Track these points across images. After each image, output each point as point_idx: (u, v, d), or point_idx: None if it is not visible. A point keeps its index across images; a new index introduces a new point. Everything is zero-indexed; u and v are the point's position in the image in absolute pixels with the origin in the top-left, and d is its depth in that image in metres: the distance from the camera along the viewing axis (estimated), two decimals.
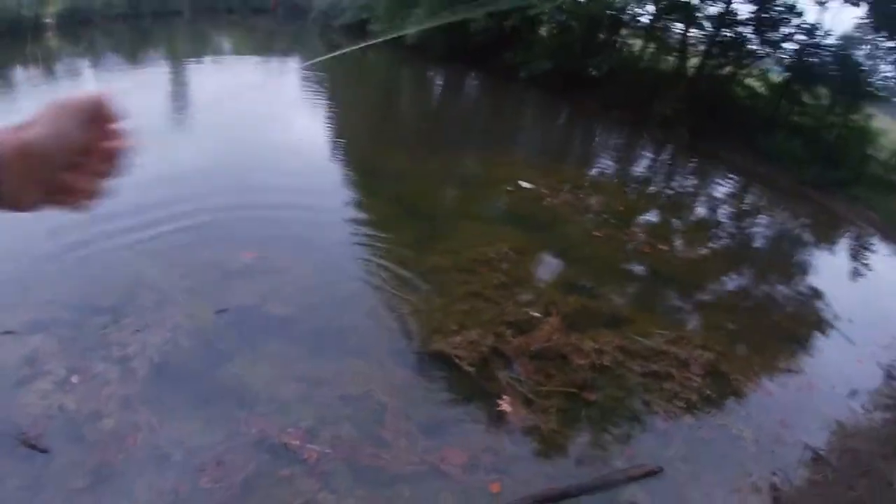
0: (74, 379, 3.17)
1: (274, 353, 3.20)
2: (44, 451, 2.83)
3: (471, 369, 3.19)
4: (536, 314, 3.81)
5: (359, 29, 16.71)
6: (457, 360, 3.22)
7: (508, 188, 5.50)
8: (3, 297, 3.94)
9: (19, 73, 15.11)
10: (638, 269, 5.06)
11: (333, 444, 2.68)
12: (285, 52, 15.54)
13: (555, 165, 6.72)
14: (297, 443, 2.67)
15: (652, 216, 6.72)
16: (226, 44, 18.13)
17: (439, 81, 12.25)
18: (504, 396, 3.08)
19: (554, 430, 2.94)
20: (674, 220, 6.86)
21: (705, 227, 6.80)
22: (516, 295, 3.98)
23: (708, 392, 3.39)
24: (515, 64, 11.90)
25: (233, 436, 2.74)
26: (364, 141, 7.26)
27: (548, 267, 4.50)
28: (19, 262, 4.25)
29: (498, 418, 2.98)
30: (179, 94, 10.35)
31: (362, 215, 5.02)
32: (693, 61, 12.15)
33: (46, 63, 16.76)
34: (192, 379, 3.03)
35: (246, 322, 3.44)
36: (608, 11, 12.14)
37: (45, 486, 2.68)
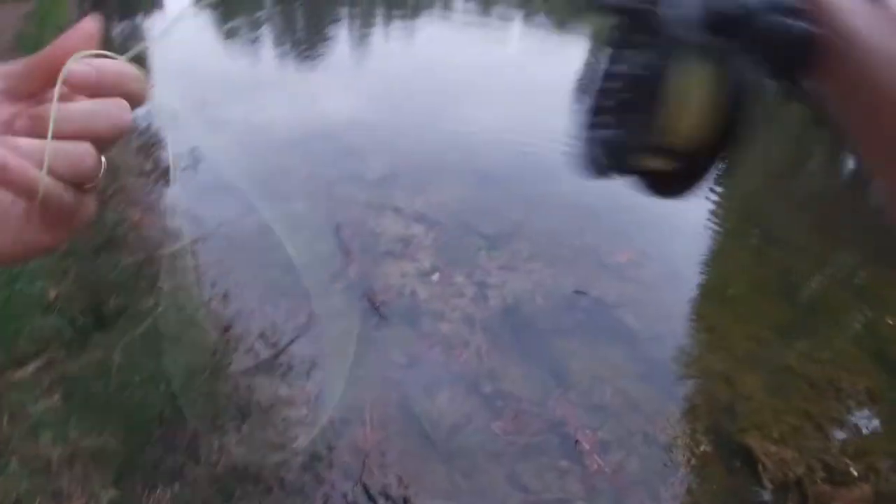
0: (435, 277, 3.78)
1: (608, 355, 3.39)
2: (382, 316, 3.45)
3: (769, 485, 3.01)
4: (854, 472, 3.37)
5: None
6: (760, 468, 3.05)
7: (889, 321, 4.78)
8: (410, 183, 4.75)
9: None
10: None
11: (616, 468, 2.82)
12: None
13: None
14: (588, 447, 2.86)
15: None
16: None
17: (854, 164, 10.70)
18: None
19: None
20: None
21: None
22: (845, 439, 3.56)
23: None
24: None
25: (539, 404, 3.05)
26: (752, 185, 6.80)
27: (890, 429, 3.88)
28: (435, 162, 5.08)
29: None
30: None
31: (727, 264, 4.88)
32: None
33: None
34: (532, 334, 3.41)
35: (596, 314, 3.67)
36: None
37: (368, 343, 3.23)
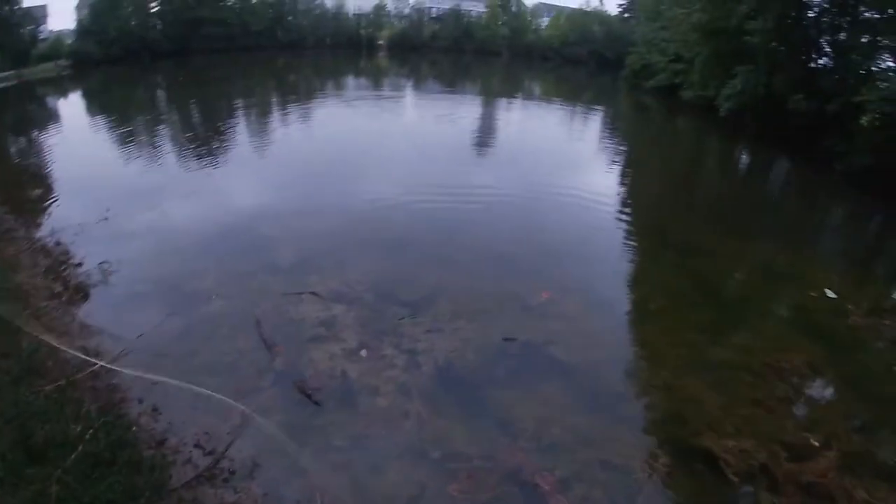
0: (363, 353, 3.72)
1: (549, 395, 3.35)
2: (316, 403, 3.35)
3: (734, 479, 2.98)
4: (815, 442, 3.39)
5: (669, 92, 16.30)
6: (722, 465, 3.02)
7: (812, 293, 4.98)
8: (324, 265, 4.75)
9: (351, 82, 17.96)
10: None
11: (581, 502, 2.73)
12: (590, 104, 15.97)
13: (865, 279, 5.87)
14: (548, 488, 2.76)
15: None
16: (536, 88, 19.25)
17: (746, 159, 11.54)
18: None
19: None
20: None
21: None
22: (799, 414, 3.60)
23: None
24: (834, 154, 10.65)
25: (490, 457, 2.94)
26: (656, 205, 7.19)
27: (838, 394, 3.96)
28: (345, 239, 5.11)
29: None
30: (486, 126, 11.43)
31: (646, 282, 5.00)
32: None
33: (375, 77, 19.67)
34: (468, 391, 3.34)
35: (528, 357, 3.66)
36: None
37: (306, 433, 3.11)
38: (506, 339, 3.74)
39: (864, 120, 10.94)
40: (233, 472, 2.88)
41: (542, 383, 3.43)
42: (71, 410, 2.92)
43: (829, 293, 5.11)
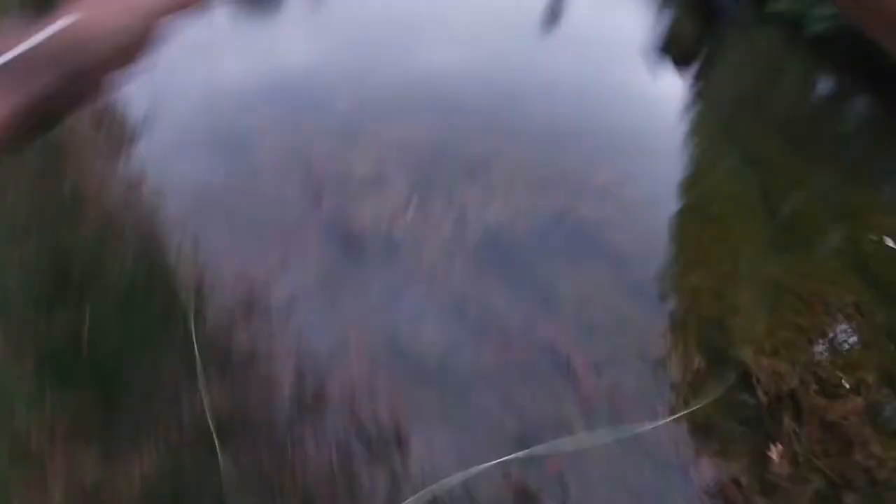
0: (412, 209, 3.57)
1: (595, 276, 3.24)
2: (359, 253, 3.26)
3: (763, 398, 2.94)
4: (846, 384, 3.33)
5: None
6: (754, 381, 2.98)
7: (872, 237, 4.75)
8: (378, 120, 4.49)
9: None
10: None
11: (611, 387, 2.70)
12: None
13: None
14: (580, 367, 2.74)
15: None
16: None
17: (826, 86, 10.66)
18: (778, 444, 2.80)
19: None
20: None
21: None
22: (837, 352, 3.52)
23: None
24: None
25: (527, 327, 2.90)
26: (726, 111, 6.70)
27: (878, 344, 3.87)
28: (401, 100, 4.82)
29: (761, 460, 2.75)
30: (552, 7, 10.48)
31: (708, 184, 4.70)
32: None
33: None
34: (515, 260, 3.24)
35: (580, 236, 3.51)
36: None
37: (345, 282, 3.07)
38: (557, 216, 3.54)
39: None
40: (269, 308, 2.86)
41: (591, 264, 3.31)
42: (109, 250, 2.97)
43: (890, 243, 4.87)
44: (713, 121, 6.14)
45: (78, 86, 0.39)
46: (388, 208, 3.54)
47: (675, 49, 8.11)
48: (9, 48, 0.35)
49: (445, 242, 3.33)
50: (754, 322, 3.34)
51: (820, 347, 3.43)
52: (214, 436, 2.23)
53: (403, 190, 3.70)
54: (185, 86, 5.24)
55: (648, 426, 2.60)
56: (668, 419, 2.66)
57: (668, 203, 4.15)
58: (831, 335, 3.59)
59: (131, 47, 0.43)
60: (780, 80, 9.72)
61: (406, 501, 2.16)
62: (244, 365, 2.58)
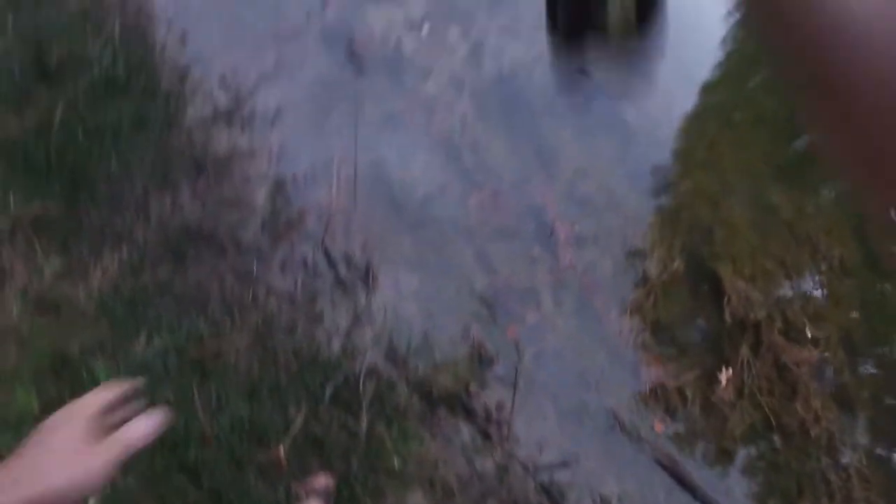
0: (425, 29, 3.12)
1: (601, 150, 2.97)
2: (361, 65, 2.90)
3: (727, 318, 2.86)
4: (809, 334, 3.28)
5: None
6: (725, 302, 2.88)
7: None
8: None
9: None
10: None
11: (587, 266, 2.55)
12: None
13: None
14: (563, 238, 2.55)
15: None
16: None
17: None
18: (730, 370, 2.77)
19: (733, 438, 2.65)
20: None
21: None
22: (809, 302, 3.45)
23: None
24: None
25: (519, 185, 2.67)
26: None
27: (850, 305, 3.81)
28: None
29: (709, 378, 2.71)
30: None
31: (738, 87, 4.32)
32: None
33: None
34: (523, 110, 2.90)
35: (596, 102, 3.13)
36: None
37: (340, 97, 2.77)
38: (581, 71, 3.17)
39: None
40: (253, 118, 2.61)
41: (600, 135, 3.01)
42: (92, 29, 2.70)
43: (894, 215, 4.75)
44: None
45: None
46: (400, 25, 3.11)
47: None
48: None
49: (454, 75, 2.95)
50: (741, 242, 3.18)
51: (795, 289, 3.34)
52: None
53: (420, 5, 3.22)
54: None
55: (613, 315, 2.49)
56: (634, 314, 2.56)
57: (696, 90, 3.80)
58: (810, 282, 3.53)
59: None
60: None
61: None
62: (217, 178, 2.38)
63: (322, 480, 1.55)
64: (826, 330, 3.31)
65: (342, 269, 2.28)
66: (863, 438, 2.84)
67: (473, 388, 2.13)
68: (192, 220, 2.24)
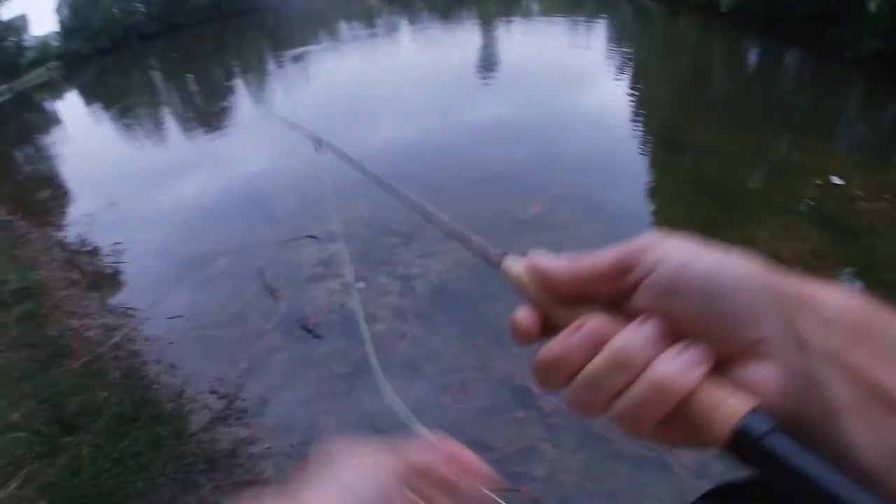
0: (360, 285, 3.77)
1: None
2: (317, 336, 3.47)
3: None
4: None
5: None
6: None
7: (817, 181, 4.81)
8: (316, 210, 4.78)
9: (344, 28, 17.45)
10: None
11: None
12: (591, 16, 15.48)
13: (875, 165, 5.65)
14: (537, 388, 2.79)
15: None
16: (534, 6, 18.45)
17: (753, 55, 11.09)
18: None
19: None
20: None
21: None
22: None
23: None
24: (840, 41, 10.12)
25: (483, 368, 2.98)
26: (664, 113, 6.99)
27: (839, 279, 3.87)
28: (344, 181, 5.10)
29: None
30: (488, 54, 11.06)
31: (652, 187, 4.89)
32: None
33: (367, 19, 19.06)
34: (461, 308, 3.38)
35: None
36: None
37: (309, 365, 3.28)
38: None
39: (872, 5, 10.31)
40: (245, 411, 3.06)
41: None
42: (97, 381, 3.21)
43: (836, 180, 4.94)
44: (650, 119, 6.36)
45: None
46: (339, 290, 3.82)
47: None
48: None
49: (395, 309, 3.52)
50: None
51: None
52: None
53: (351, 271, 3.95)
54: (145, 212, 5.87)
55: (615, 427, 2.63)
56: None
57: (605, 213, 4.32)
58: None
59: None
60: (708, 59, 10.12)
61: None
62: (229, 467, 2.72)
63: None
64: None
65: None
66: None
67: None
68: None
